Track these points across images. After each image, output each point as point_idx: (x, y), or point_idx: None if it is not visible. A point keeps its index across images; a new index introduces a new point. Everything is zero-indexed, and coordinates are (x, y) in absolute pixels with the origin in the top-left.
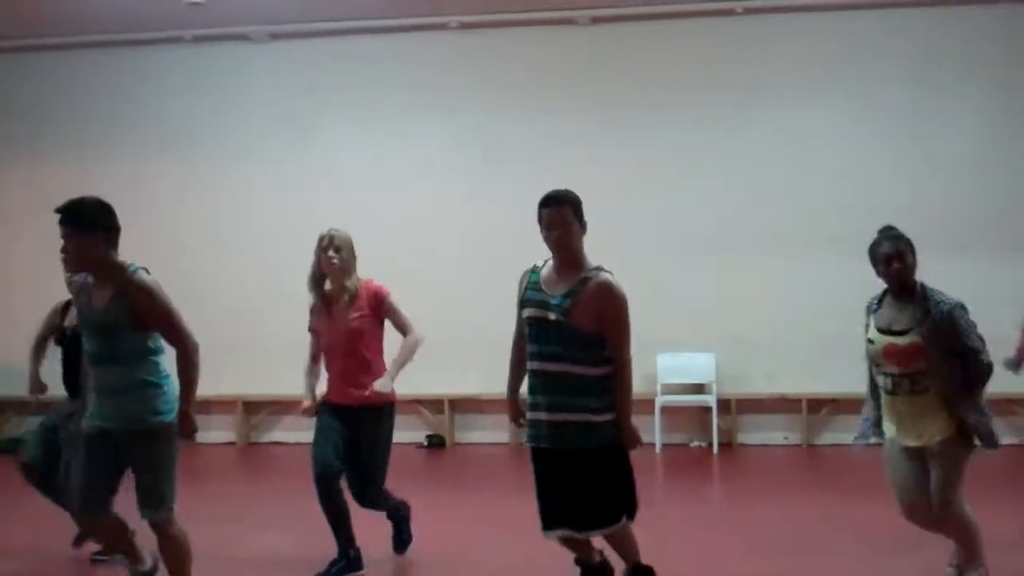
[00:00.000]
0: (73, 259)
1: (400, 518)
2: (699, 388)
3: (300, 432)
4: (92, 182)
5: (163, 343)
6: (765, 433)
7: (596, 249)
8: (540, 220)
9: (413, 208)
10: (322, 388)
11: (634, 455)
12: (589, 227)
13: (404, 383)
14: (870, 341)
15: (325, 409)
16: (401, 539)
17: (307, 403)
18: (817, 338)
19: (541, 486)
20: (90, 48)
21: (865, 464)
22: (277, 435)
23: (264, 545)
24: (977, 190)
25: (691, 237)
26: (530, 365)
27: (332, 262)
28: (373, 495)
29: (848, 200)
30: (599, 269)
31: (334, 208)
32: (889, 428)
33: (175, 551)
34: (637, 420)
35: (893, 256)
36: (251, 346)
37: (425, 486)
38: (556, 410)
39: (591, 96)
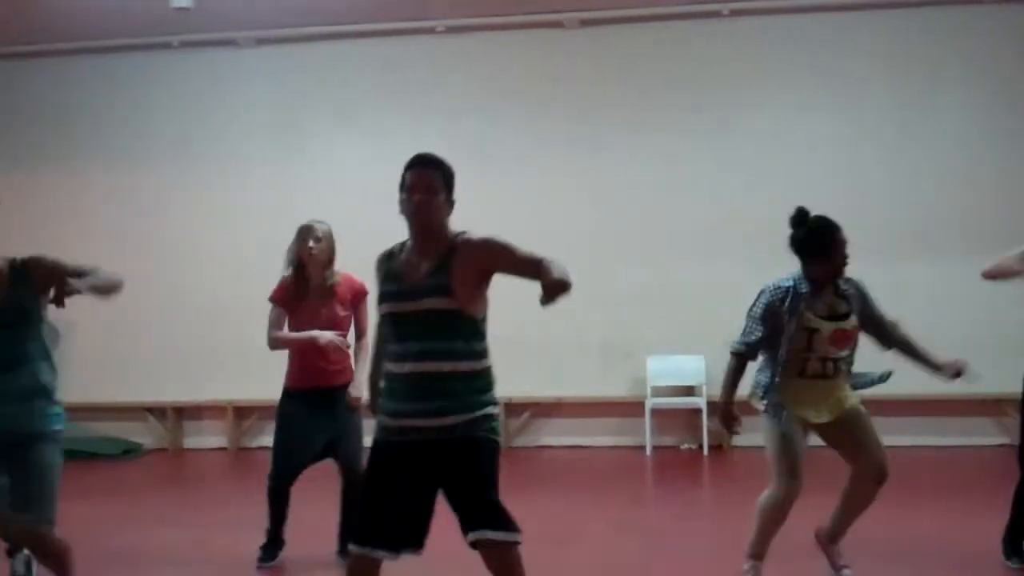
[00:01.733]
0: None
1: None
2: (689, 390)
3: None
4: (77, 188)
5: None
6: (755, 435)
7: (587, 251)
8: (402, 185)
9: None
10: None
11: (625, 456)
12: (583, 229)
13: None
14: (811, 329)
15: (291, 397)
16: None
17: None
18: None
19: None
20: (75, 54)
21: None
22: (267, 440)
23: (253, 548)
24: (962, 190)
25: (680, 239)
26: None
27: (312, 251)
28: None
29: (836, 202)
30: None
31: (322, 213)
32: (803, 410)
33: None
34: (628, 422)
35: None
36: (239, 351)
37: None
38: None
39: (579, 99)
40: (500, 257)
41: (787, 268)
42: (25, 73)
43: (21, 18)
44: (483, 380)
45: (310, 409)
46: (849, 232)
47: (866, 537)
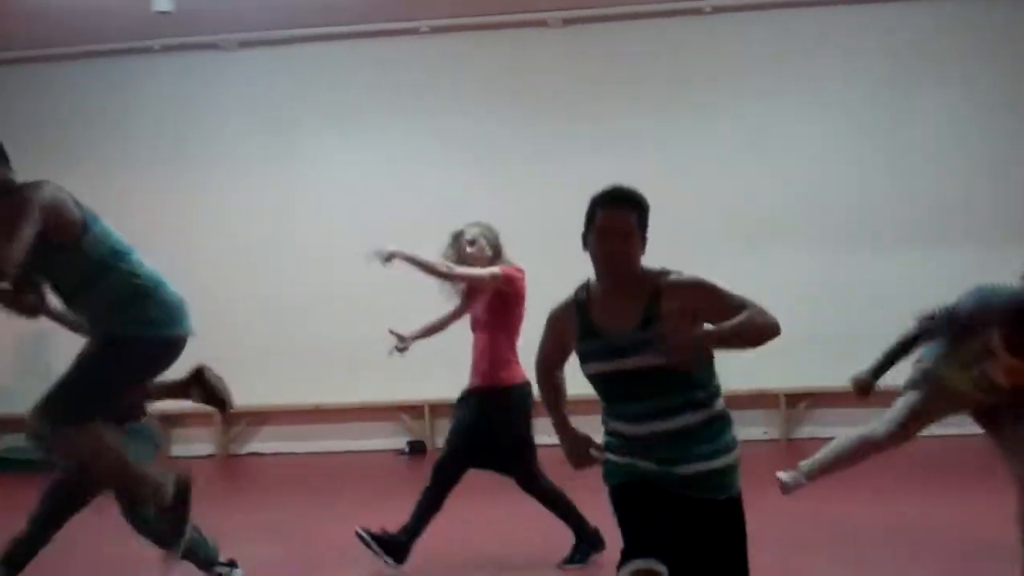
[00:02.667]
0: None
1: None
2: None
3: (278, 442)
4: None
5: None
6: (744, 428)
7: (575, 250)
8: (589, 221)
9: (392, 213)
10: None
11: None
12: (566, 227)
13: (383, 390)
14: None
15: None
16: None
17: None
18: (794, 332)
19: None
20: (56, 60)
21: None
22: (255, 446)
23: (245, 554)
24: (941, 185)
25: (665, 234)
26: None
27: (469, 251)
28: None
29: (817, 197)
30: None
31: (312, 215)
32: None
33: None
34: None
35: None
36: (228, 356)
37: (409, 493)
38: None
39: (566, 96)
40: (712, 305)
41: (772, 262)
42: (6, 80)
43: (1, 26)
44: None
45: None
46: (831, 228)
47: (853, 530)
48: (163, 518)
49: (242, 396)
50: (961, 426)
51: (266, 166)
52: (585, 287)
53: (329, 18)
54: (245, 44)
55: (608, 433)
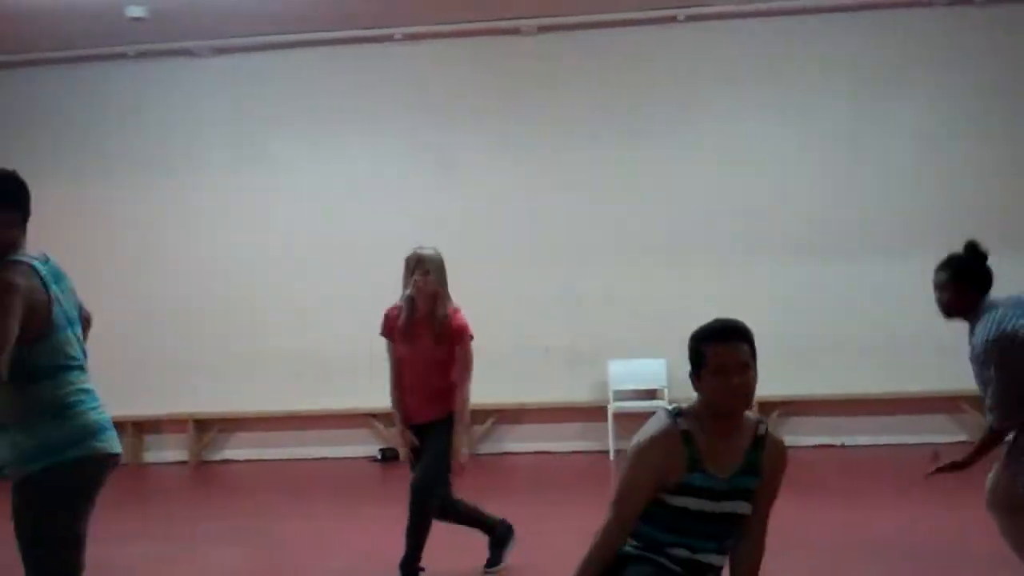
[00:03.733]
0: None
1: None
2: (651, 393)
3: (250, 449)
4: (37, 200)
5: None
6: None
7: (548, 256)
8: (699, 359)
9: (367, 219)
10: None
11: (589, 460)
12: (544, 233)
13: (355, 397)
14: None
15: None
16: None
17: (409, 450)
18: (766, 340)
19: None
20: (30, 65)
21: (820, 464)
22: (228, 453)
23: (218, 560)
24: (915, 194)
25: (641, 243)
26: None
27: (417, 284)
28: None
29: (795, 205)
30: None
31: (287, 222)
32: None
33: None
34: (592, 427)
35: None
36: (201, 364)
37: (382, 498)
38: None
39: (540, 104)
40: (773, 481)
41: (746, 270)
42: None
43: None
44: None
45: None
46: (806, 236)
47: (828, 535)
48: None
49: (215, 403)
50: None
51: (240, 172)
52: (679, 415)
53: (304, 25)
54: (220, 50)
55: (644, 547)
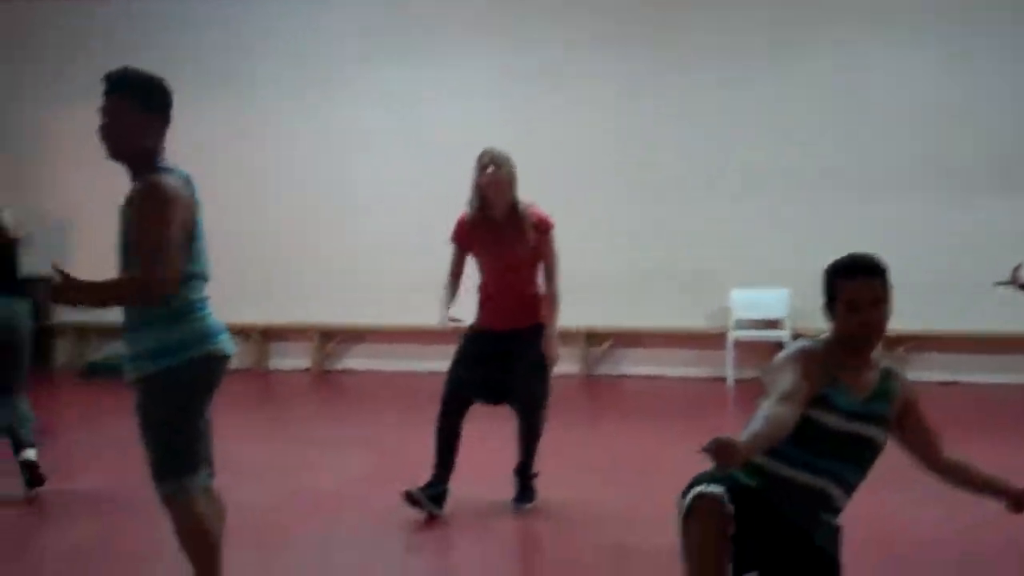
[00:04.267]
0: (116, 141)
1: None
2: (772, 324)
3: (371, 359)
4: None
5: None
6: None
7: (676, 184)
8: (836, 292)
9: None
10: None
11: (706, 387)
12: (667, 161)
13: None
14: None
15: (471, 335)
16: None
17: (446, 320)
18: (894, 274)
19: None
20: None
21: (951, 398)
22: (350, 363)
23: (339, 464)
24: None
25: (769, 174)
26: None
27: (491, 179)
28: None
29: (914, 139)
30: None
31: (416, 144)
32: None
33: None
34: (709, 354)
35: None
36: (327, 276)
37: (493, 413)
38: None
39: (659, 22)
40: (912, 414)
41: (872, 203)
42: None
43: None
44: None
45: (491, 349)
46: (928, 172)
47: None
48: None
49: (339, 314)
50: None
51: (371, 95)
52: (825, 344)
53: None
54: None
55: (761, 474)
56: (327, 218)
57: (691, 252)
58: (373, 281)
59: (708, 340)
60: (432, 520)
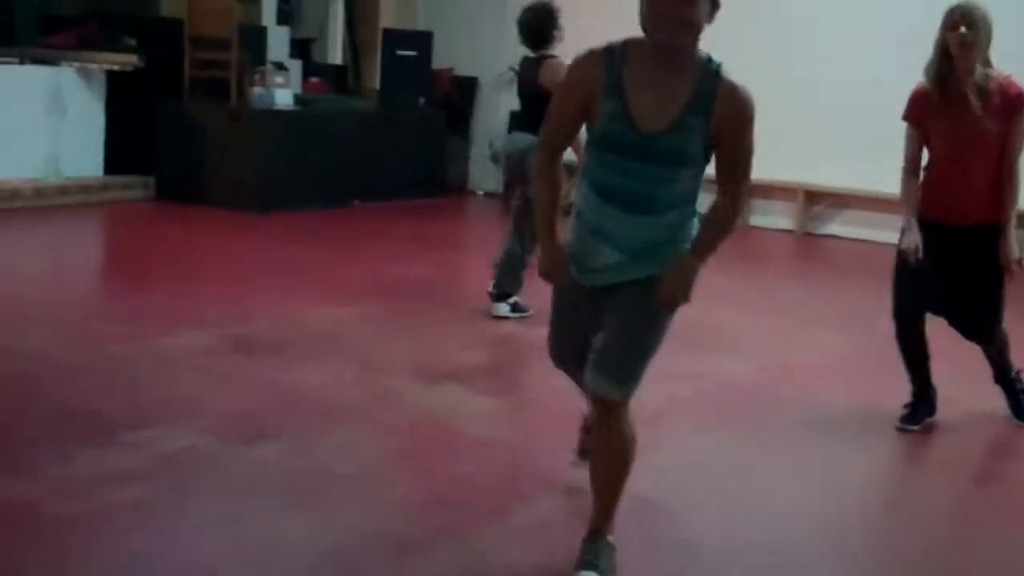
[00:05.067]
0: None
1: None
2: None
3: (859, 228)
4: None
5: None
6: None
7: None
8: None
9: None
10: None
11: None
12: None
13: None
14: None
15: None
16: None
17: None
18: None
19: None
20: None
21: None
22: (835, 228)
23: (814, 338)
24: None
25: None
26: None
27: (961, 40)
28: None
29: None
30: None
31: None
32: None
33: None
34: None
35: None
36: (816, 135)
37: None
38: None
39: None
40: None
41: None
42: None
43: None
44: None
45: (938, 247)
46: None
47: None
48: None
49: (826, 176)
50: None
51: None
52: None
53: None
54: None
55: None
56: (820, 77)
57: None
58: (864, 145)
59: None
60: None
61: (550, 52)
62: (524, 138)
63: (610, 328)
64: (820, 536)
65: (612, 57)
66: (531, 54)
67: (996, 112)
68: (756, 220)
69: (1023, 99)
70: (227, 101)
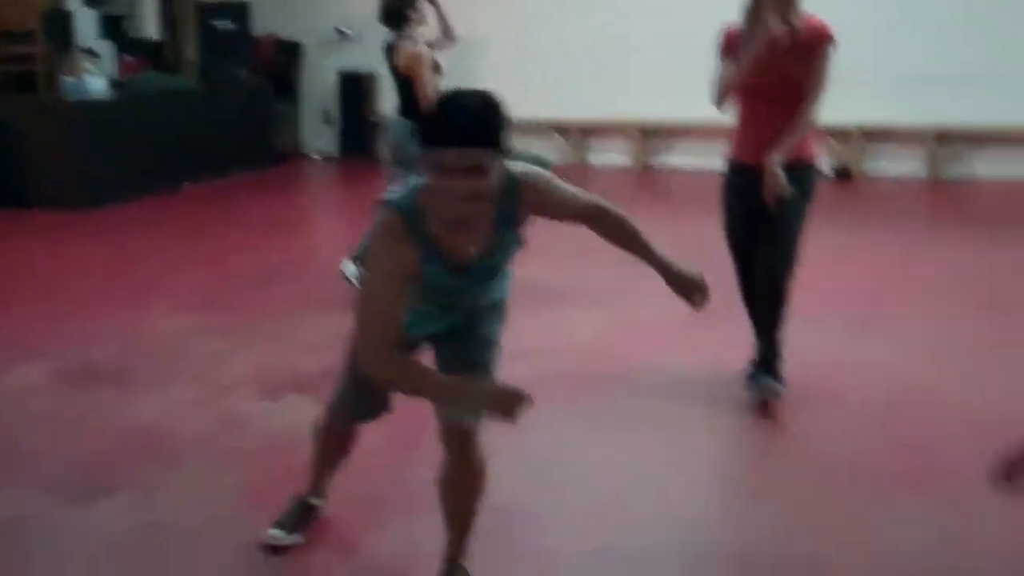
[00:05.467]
0: None
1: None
2: None
3: (695, 157)
4: None
5: None
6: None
7: None
8: None
9: None
10: None
11: None
12: None
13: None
14: None
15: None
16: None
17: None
18: None
19: None
20: None
21: None
22: (673, 160)
23: None
24: None
25: None
26: None
27: None
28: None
29: None
30: None
31: None
32: None
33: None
34: None
35: None
36: (647, 69)
37: (833, 221)
38: None
39: None
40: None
41: None
42: None
43: None
44: None
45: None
46: None
47: None
48: None
49: (659, 109)
50: None
51: None
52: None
53: None
54: None
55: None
56: (658, 9)
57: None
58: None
59: None
60: None
61: (408, 34)
62: (398, 123)
63: (458, 361)
64: (678, 534)
65: (414, 219)
66: (391, 38)
67: (802, 50)
68: (594, 159)
69: (824, 33)
70: (37, 95)
